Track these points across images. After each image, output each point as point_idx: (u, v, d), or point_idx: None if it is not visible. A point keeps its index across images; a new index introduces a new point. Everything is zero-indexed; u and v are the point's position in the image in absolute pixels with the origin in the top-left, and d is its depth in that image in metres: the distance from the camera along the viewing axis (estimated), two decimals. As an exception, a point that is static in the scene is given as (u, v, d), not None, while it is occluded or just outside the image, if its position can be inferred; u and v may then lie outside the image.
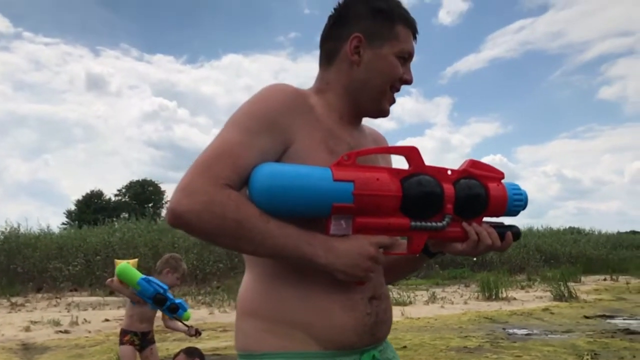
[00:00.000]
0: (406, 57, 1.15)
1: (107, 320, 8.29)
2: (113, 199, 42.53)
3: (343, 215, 0.97)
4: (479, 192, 1.07)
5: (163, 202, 44.85)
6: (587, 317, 8.41)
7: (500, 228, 1.13)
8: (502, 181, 1.13)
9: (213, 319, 8.63)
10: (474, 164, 1.10)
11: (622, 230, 30.50)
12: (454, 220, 1.06)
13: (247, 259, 1.11)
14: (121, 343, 3.70)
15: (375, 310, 1.06)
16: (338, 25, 1.15)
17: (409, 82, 1.17)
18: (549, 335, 6.89)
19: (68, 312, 9.20)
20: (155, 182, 44.73)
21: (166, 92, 71.25)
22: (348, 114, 1.15)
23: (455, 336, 6.69)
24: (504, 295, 11.38)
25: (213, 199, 0.90)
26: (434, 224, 1.03)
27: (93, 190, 40.92)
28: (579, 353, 5.65)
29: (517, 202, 1.13)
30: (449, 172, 1.07)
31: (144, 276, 3.30)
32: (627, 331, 7.07)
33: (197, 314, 9.09)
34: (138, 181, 43.89)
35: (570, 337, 6.73)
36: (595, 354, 5.64)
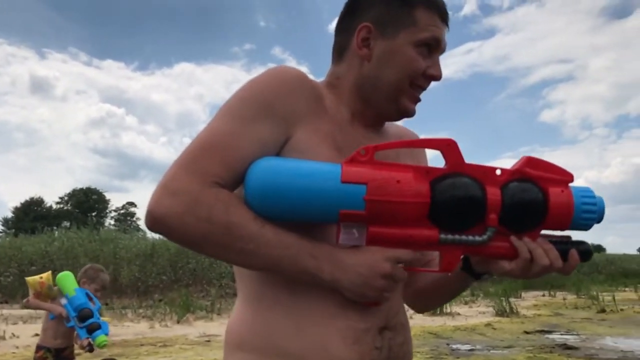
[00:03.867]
0: (431, 46, 0.95)
1: (37, 334, 7.81)
2: (54, 206, 41.01)
3: (355, 223, 0.82)
4: (534, 198, 0.85)
5: (107, 211, 43.61)
6: (527, 333, 8.60)
7: (563, 244, 0.90)
8: (570, 185, 0.89)
9: (153, 334, 8.30)
10: (531, 162, 0.87)
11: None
12: (501, 233, 0.85)
13: (237, 279, 0.95)
14: (34, 359, 3.58)
15: (387, 343, 0.89)
16: (349, 14, 0.99)
17: (435, 77, 0.97)
18: (491, 351, 6.98)
19: (-4, 325, 8.66)
20: (100, 191, 43.69)
21: (115, 99, 69.67)
22: (361, 114, 0.98)
23: (400, 352, 6.68)
24: (449, 310, 11.52)
25: (198, 200, 0.77)
26: (470, 237, 0.84)
27: (33, 197, 39.27)
28: (519, 369, 5.73)
29: (587, 214, 0.88)
30: (498, 173, 0.86)
31: (81, 288, 3.31)
32: (565, 346, 7.26)
33: (136, 328, 8.75)
34: (82, 189, 42.64)
35: (511, 352, 6.84)
36: (534, 369, 5.73)
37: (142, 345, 7.23)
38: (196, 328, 8.88)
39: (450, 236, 0.83)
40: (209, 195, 0.78)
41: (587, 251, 0.91)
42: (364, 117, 0.99)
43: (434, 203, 0.81)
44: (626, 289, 20.82)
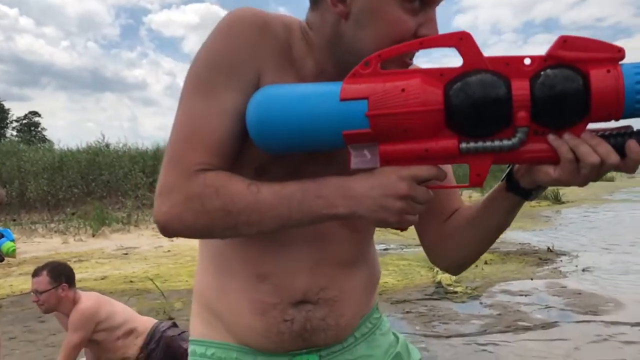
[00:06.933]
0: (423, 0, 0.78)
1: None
2: (-57, 117, 37.47)
3: (364, 143, 0.75)
4: (569, 87, 0.69)
5: (7, 121, 40.57)
6: (437, 231, 9.23)
7: (618, 137, 0.73)
8: (621, 63, 0.71)
9: (67, 249, 8.08)
10: (568, 42, 0.70)
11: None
12: (539, 133, 0.72)
13: None
14: None
15: (304, 316, 0.88)
16: None
17: None
18: (404, 250, 7.44)
19: None
20: (-4, 99, 40.16)
21: (3, -5, 62.36)
22: (333, 72, 0.84)
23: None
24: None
25: (188, 195, 0.76)
26: (497, 142, 0.72)
27: None
28: (430, 266, 6.18)
29: None
30: (527, 62, 0.72)
31: None
32: (470, 242, 7.89)
33: (49, 244, 8.48)
34: (-26, 97, 39.01)
35: (421, 250, 7.32)
36: (442, 265, 6.22)
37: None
38: (113, 241, 8.73)
39: (472, 144, 0.73)
40: (197, 185, 0.76)
41: None
42: (335, 77, 0.84)
43: (448, 108, 0.71)
44: (525, 185, 22.61)
